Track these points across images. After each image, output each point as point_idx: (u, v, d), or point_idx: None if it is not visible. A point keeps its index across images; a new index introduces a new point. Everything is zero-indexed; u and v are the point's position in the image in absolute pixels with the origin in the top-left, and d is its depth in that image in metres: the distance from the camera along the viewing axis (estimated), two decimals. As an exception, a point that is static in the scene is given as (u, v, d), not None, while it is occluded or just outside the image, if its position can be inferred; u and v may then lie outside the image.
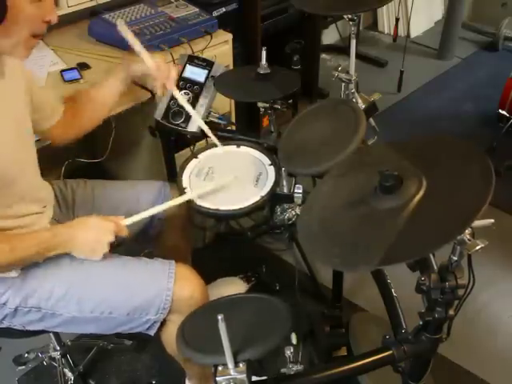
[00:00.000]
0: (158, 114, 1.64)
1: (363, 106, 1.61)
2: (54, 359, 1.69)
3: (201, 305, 1.29)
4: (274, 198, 1.40)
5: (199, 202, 1.31)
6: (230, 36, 2.00)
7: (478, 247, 0.85)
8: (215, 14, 2.12)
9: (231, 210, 1.30)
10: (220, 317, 0.87)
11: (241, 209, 1.30)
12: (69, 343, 1.75)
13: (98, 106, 1.48)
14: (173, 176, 1.77)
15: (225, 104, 2.07)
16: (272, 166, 1.40)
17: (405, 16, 3.63)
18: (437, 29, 3.81)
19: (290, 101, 1.66)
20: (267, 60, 1.56)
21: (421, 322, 1.01)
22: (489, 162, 0.86)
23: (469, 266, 0.94)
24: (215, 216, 1.45)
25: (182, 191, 1.35)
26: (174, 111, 1.61)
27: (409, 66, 3.18)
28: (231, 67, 2.06)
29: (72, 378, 1.71)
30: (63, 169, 1.95)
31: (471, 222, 0.79)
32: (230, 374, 0.93)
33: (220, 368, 0.94)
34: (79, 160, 2.02)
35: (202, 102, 1.62)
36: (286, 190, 1.58)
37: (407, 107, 3.15)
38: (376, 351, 1.06)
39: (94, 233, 1.23)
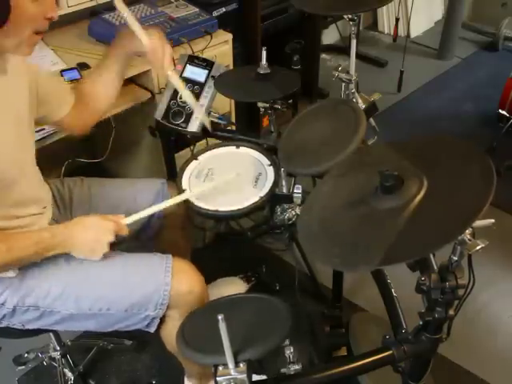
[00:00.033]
0: (158, 114, 1.64)
1: (363, 106, 1.62)
2: (54, 359, 1.69)
3: (200, 300, 1.29)
4: (274, 199, 1.40)
5: (198, 203, 1.31)
6: (230, 36, 2.01)
7: (478, 247, 0.85)
8: (215, 14, 2.12)
9: (230, 210, 1.30)
10: (220, 317, 0.87)
11: (240, 209, 1.30)
12: (69, 343, 1.75)
13: (108, 82, 1.45)
14: (173, 176, 1.77)
15: (225, 104, 2.07)
16: (271, 167, 1.40)
17: (405, 16, 3.63)
18: (437, 29, 3.81)
19: (290, 101, 1.66)
20: (267, 60, 1.56)
21: (421, 322, 1.01)
22: (489, 161, 0.86)
23: (469, 265, 0.94)
24: (214, 217, 1.45)
25: (181, 192, 1.35)
26: (174, 111, 1.61)
27: (409, 65, 3.18)
28: (231, 67, 2.06)
29: (72, 378, 1.71)
30: (63, 169, 1.96)
31: (472, 222, 0.79)
32: (231, 374, 0.93)
33: (220, 368, 0.94)
34: (79, 160, 2.03)
35: (202, 101, 1.62)
36: (285, 190, 1.58)
37: (407, 107, 3.15)
38: (376, 351, 1.06)
39: (93, 232, 1.22)
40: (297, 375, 1.11)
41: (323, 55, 3.50)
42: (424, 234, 0.84)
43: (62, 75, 1.72)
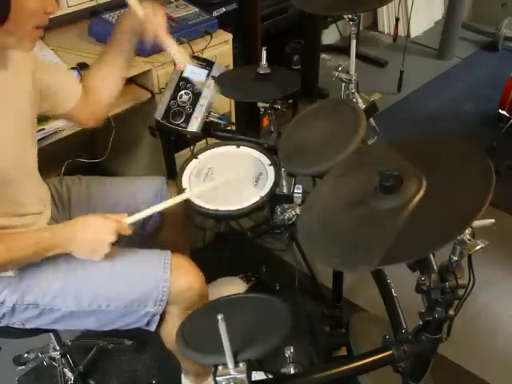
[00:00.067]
0: (158, 114, 1.64)
1: (363, 106, 1.62)
2: (54, 359, 1.69)
3: (200, 296, 1.29)
4: (274, 199, 1.40)
5: (199, 203, 1.31)
6: (230, 36, 2.01)
7: (478, 247, 0.85)
8: (215, 14, 2.12)
9: (230, 210, 1.30)
10: (220, 317, 0.87)
11: (240, 209, 1.30)
12: (69, 343, 1.75)
13: (114, 69, 1.45)
14: (173, 176, 1.77)
15: (225, 104, 2.07)
16: (272, 167, 1.40)
17: (405, 16, 3.63)
18: (437, 29, 3.81)
19: (290, 101, 1.66)
20: (267, 60, 1.56)
21: (421, 322, 1.01)
22: (489, 161, 0.86)
23: (469, 265, 0.94)
24: (214, 216, 1.45)
25: (181, 192, 1.35)
26: (174, 111, 1.61)
27: (409, 65, 3.18)
28: (231, 67, 2.06)
29: (72, 378, 1.71)
30: (63, 169, 1.95)
31: (471, 222, 0.79)
32: (230, 374, 0.93)
33: (220, 368, 0.94)
34: (79, 160, 2.02)
35: (202, 102, 1.61)
36: (285, 190, 1.58)
37: (407, 107, 3.15)
38: (376, 351, 1.06)
39: (93, 232, 1.21)
40: (297, 375, 1.11)
41: (323, 55, 3.50)
42: (424, 233, 0.84)
43: (61, 75, 1.72)
